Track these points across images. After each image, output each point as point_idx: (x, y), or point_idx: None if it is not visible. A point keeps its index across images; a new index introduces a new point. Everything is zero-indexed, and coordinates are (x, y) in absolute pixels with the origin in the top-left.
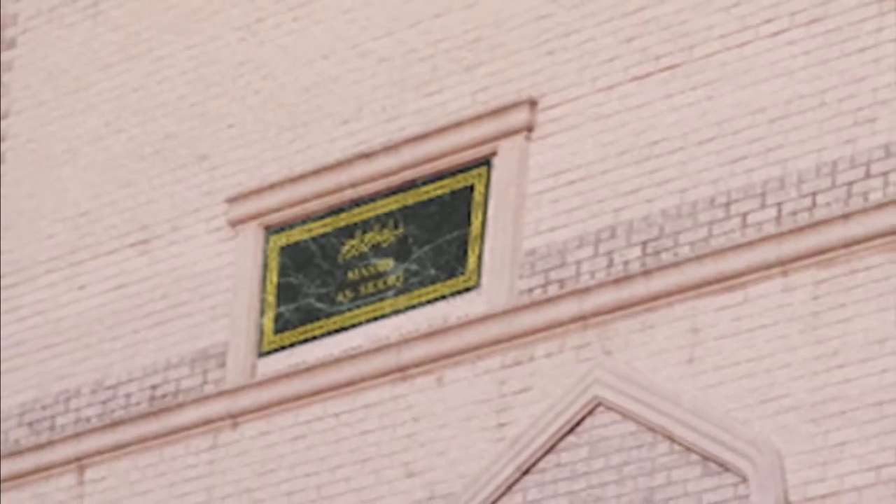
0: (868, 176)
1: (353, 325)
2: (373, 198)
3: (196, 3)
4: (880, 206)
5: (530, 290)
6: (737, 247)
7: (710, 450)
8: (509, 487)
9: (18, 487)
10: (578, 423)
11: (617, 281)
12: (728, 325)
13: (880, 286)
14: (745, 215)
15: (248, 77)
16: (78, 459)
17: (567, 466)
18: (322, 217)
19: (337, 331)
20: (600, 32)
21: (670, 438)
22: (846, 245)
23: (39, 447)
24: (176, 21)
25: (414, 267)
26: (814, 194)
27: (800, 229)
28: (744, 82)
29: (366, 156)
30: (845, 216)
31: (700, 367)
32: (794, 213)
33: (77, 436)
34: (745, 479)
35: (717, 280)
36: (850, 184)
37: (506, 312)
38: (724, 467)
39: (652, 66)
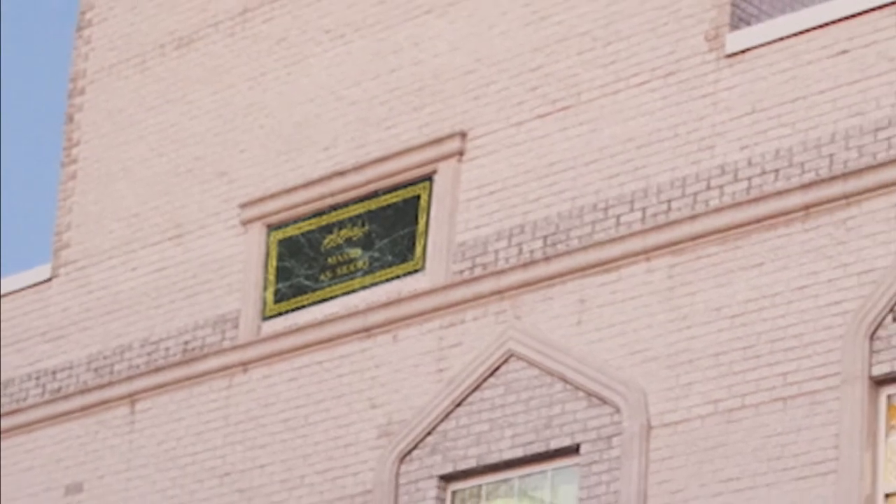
0: (709, 188)
1: (332, 297)
2: (346, 204)
3: (217, 61)
4: (718, 210)
5: (461, 271)
6: (612, 240)
7: (593, 388)
8: (446, 416)
9: (86, 416)
10: (497, 369)
11: (525, 265)
12: (606, 297)
13: (717, 269)
14: (618, 217)
15: (255, 115)
16: (130, 396)
17: (488, 400)
18: (309, 218)
19: (320, 301)
20: (512, 83)
21: (564, 380)
22: (692, 238)
23: (102, 386)
24: (203, 74)
25: (376, 255)
26: (669, 201)
27: (658, 227)
28: (618, 119)
29: (340, 173)
30: (692, 217)
31: (586, 328)
32: (654, 215)
33: (130, 378)
34: (618, 410)
35: (598, 264)
36: (696, 193)
37: (443, 288)
38: (603, 401)
39: (551, 108)
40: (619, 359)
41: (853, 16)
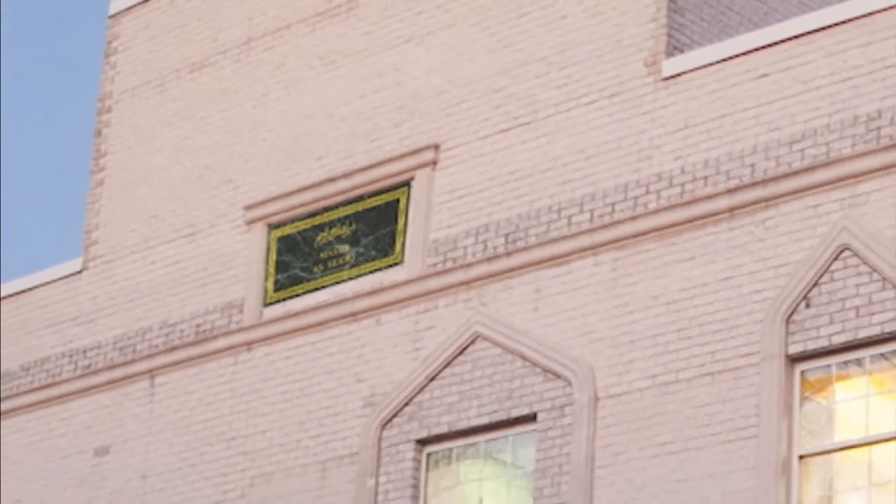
0: (647, 193)
1: (323, 287)
2: (336, 206)
3: (225, 83)
4: (655, 212)
5: (434, 264)
6: (564, 237)
7: (548, 365)
8: (422, 389)
9: (112, 389)
10: (465, 349)
11: (489, 259)
12: (559, 287)
13: (655, 262)
14: (570, 217)
15: (258, 130)
16: (150, 371)
17: (458, 375)
18: (304, 218)
19: (313, 290)
20: (479, 102)
21: (523, 358)
22: (633, 236)
23: (126, 363)
24: (213, 95)
25: (362, 250)
26: (613, 204)
27: (604, 226)
28: (570, 133)
29: (332, 180)
30: (633, 218)
31: (541, 313)
32: (601, 216)
33: (149, 356)
34: (570, 384)
35: (552, 258)
36: (636, 197)
37: (419, 278)
38: (557, 376)
39: (512, 123)
40: (571, 340)
41: (772, 44)
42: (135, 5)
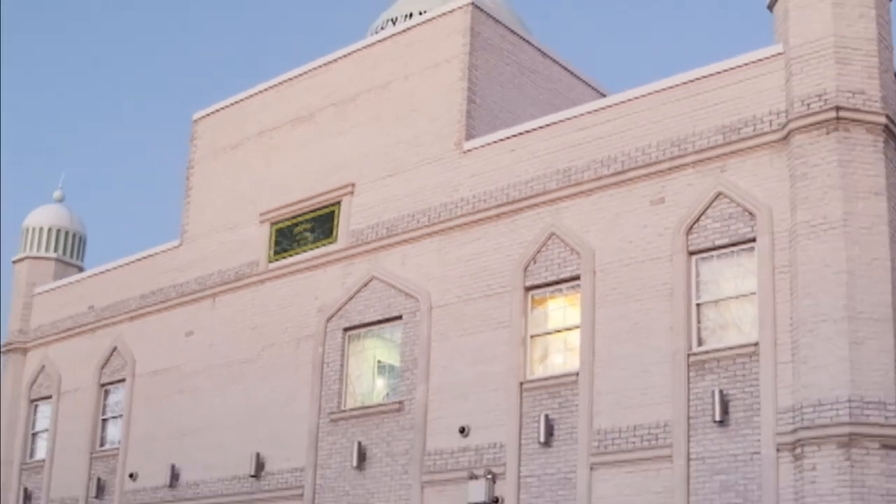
0: (457, 207)
1: (297, 254)
2: (304, 214)
3: (249, 155)
4: (460, 216)
5: (352, 243)
6: (415, 229)
7: (408, 291)
8: (347, 302)
9: (192, 304)
10: (367, 283)
11: (379, 240)
12: (415, 254)
13: (460, 241)
14: (418, 219)
15: (267, 178)
16: (213, 294)
17: (363, 297)
18: (288, 220)
19: (293, 255)
20: (373, 163)
21: (395, 288)
22: (449, 229)
23: (201, 290)
24: (242, 162)
25: (317, 235)
26: (440, 213)
27: (434, 223)
28: (417, 179)
29: (302, 201)
30: (449, 219)
31: (405, 267)
32: (433, 219)
33: (212, 287)
34: (418, 300)
35: (410, 240)
36: (451, 209)
37: (345, 249)
38: (411, 296)
39: (389, 174)
40: (419, 278)
41: (517, 135)
42: (204, 116)
